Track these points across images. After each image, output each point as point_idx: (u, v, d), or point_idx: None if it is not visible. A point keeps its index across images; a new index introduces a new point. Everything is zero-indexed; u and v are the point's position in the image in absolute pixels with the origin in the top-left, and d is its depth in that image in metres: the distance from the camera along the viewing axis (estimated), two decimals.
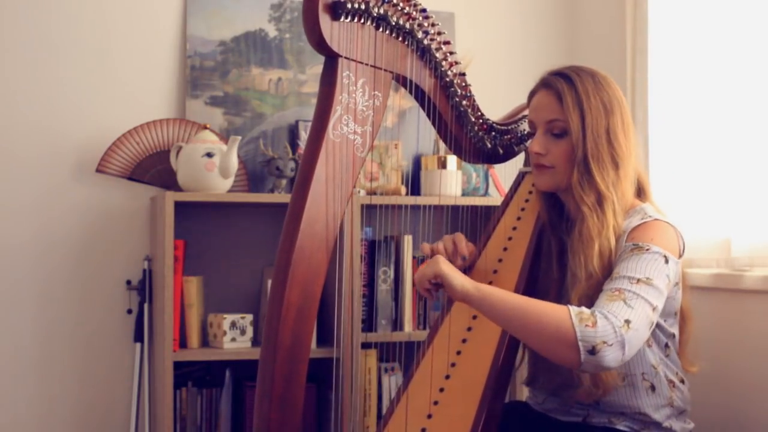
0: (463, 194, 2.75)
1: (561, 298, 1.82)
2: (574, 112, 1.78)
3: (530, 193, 2.05)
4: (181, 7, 2.75)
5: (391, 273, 2.68)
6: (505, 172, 2.10)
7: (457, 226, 2.48)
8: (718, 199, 2.34)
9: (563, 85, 1.81)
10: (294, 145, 2.74)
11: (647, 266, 1.68)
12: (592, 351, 1.56)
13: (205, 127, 2.63)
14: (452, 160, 2.70)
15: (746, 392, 2.17)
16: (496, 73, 2.97)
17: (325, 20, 1.52)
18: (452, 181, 2.69)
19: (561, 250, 1.89)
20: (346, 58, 1.56)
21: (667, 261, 1.70)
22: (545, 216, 1.93)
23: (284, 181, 2.66)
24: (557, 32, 3.10)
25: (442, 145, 2.78)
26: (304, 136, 2.75)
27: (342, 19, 1.54)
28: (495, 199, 2.75)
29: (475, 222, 2.63)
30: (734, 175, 2.30)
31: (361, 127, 1.59)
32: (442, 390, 1.77)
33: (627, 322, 1.58)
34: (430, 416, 1.73)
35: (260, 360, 1.51)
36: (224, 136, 2.69)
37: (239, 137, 2.54)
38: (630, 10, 2.70)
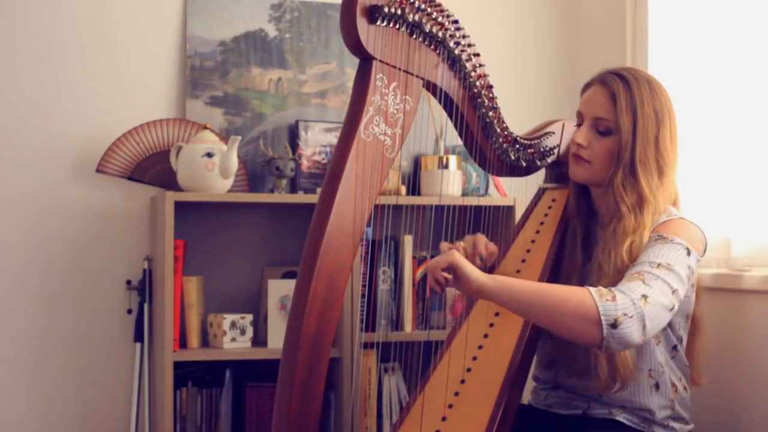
0: (463, 194, 2.75)
1: (583, 282, 1.86)
2: (626, 114, 1.82)
3: (549, 208, 2.10)
4: (181, 7, 2.75)
5: (391, 273, 2.68)
6: (512, 179, 2.13)
7: (457, 226, 2.48)
8: (718, 199, 2.34)
9: (620, 86, 1.84)
10: (294, 145, 2.74)
11: (669, 253, 1.72)
12: (614, 324, 1.60)
13: (205, 127, 2.63)
14: (452, 160, 2.70)
15: (746, 392, 2.17)
16: (495, 74, 2.96)
17: (362, 23, 1.57)
18: (452, 181, 2.69)
19: (585, 236, 1.94)
20: (380, 61, 1.61)
21: (689, 253, 1.75)
22: (573, 203, 1.98)
23: (284, 181, 2.66)
24: (557, 32, 3.10)
25: (442, 145, 2.79)
26: (304, 136, 2.75)
27: (378, 23, 1.59)
28: (495, 199, 2.76)
29: (475, 222, 2.63)
30: (734, 175, 2.30)
31: (391, 129, 1.64)
32: (457, 394, 1.79)
33: (644, 296, 1.63)
34: (444, 419, 1.75)
35: (283, 348, 1.54)
36: (224, 136, 2.69)
37: (239, 137, 2.54)
38: (630, 10, 2.70)
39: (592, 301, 1.61)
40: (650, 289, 1.65)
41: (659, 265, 1.70)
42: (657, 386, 1.84)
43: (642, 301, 1.62)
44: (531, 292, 1.66)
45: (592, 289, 1.64)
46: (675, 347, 1.87)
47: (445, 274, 1.69)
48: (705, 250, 1.85)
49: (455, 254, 1.68)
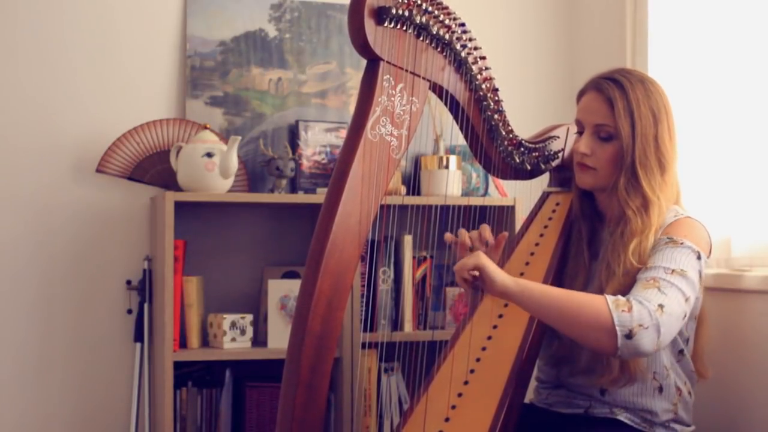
0: (463, 194, 2.75)
1: (589, 282, 1.88)
2: (625, 119, 1.84)
3: (553, 212, 2.10)
4: (181, 7, 2.75)
5: (391, 273, 2.68)
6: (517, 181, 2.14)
7: (457, 226, 2.48)
8: (718, 199, 2.34)
9: (615, 91, 1.85)
10: (294, 145, 2.74)
11: (681, 258, 1.75)
12: (629, 335, 1.62)
13: (205, 127, 2.63)
14: (452, 160, 2.70)
15: (746, 392, 2.17)
16: (495, 73, 2.97)
17: (369, 24, 1.58)
18: (452, 181, 2.69)
19: (590, 236, 1.96)
20: (387, 62, 1.62)
21: (699, 257, 1.78)
22: (578, 205, 1.99)
23: (284, 181, 2.66)
24: (557, 34, 3.10)
25: (442, 145, 2.79)
26: (304, 136, 2.75)
27: (386, 24, 1.60)
28: (495, 199, 2.76)
29: (475, 222, 2.63)
30: (734, 175, 2.30)
31: (397, 130, 1.64)
32: (460, 395, 1.80)
33: (660, 306, 1.65)
34: (447, 419, 1.76)
35: (288, 347, 1.55)
36: (224, 136, 2.69)
37: (239, 137, 2.54)
38: (630, 11, 2.71)
39: (607, 311, 1.63)
40: (666, 297, 1.67)
41: (673, 271, 1.72)
42: (660, 389, 1.84)
43: (659, 312, 1.65)
44: (549, 299, 1.69)
45: (609, 298, 1.66)
46: (681, 351, 1.87)
47: (474, 273, 1.71)
48: (710, 251, 1.86)
49: (481, 256, 1.71)
